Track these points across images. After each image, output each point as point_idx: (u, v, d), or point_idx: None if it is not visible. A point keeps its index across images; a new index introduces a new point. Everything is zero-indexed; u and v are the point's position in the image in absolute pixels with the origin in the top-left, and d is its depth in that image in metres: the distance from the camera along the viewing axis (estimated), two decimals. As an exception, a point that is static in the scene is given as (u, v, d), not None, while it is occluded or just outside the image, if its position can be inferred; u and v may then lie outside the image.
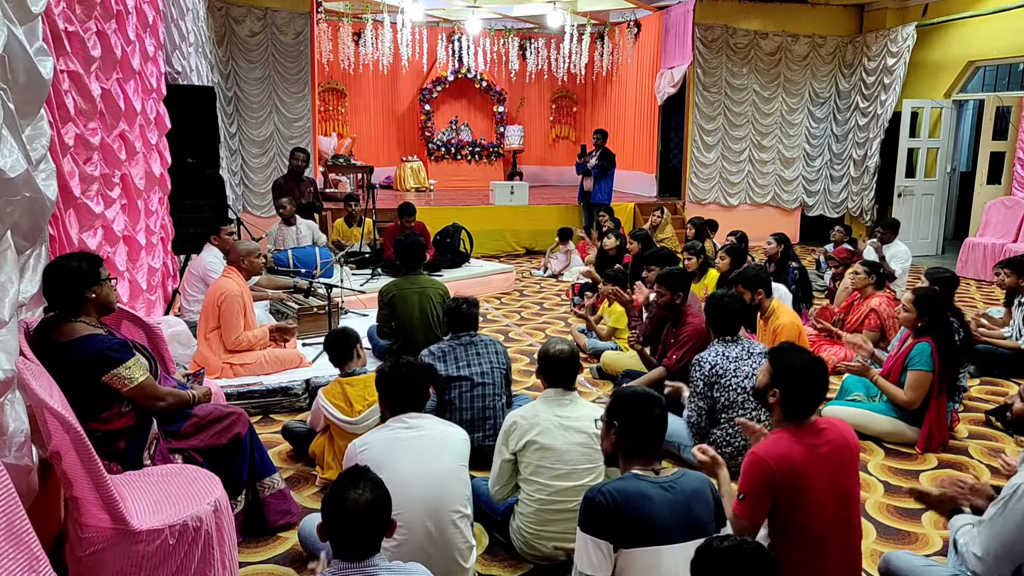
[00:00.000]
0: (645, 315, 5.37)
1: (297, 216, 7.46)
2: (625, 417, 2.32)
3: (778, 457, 2.36)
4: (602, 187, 9.91)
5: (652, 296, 5.36)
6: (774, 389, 2.49)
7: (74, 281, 2.72)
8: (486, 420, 3.79)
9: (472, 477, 3.02)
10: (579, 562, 2.18)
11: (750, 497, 2.38)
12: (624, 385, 4.54)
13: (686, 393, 4.02)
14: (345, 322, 5.86)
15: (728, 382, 3.76)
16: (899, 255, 7.46)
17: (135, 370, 2.74)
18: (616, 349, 5.57)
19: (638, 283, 5.87)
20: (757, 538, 2.47)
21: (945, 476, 2.78)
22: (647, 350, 4.81)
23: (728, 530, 2.34)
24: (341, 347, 3.77)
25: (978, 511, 2.59)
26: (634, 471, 2.25)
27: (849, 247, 7.50)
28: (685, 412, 3.93)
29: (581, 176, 10.12)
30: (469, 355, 3.87)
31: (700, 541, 2.11)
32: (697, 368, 3.84)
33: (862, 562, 2.57)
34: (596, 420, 2.48)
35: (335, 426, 3.57)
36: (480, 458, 3.38)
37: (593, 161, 9.83)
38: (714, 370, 3.78)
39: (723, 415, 3.79)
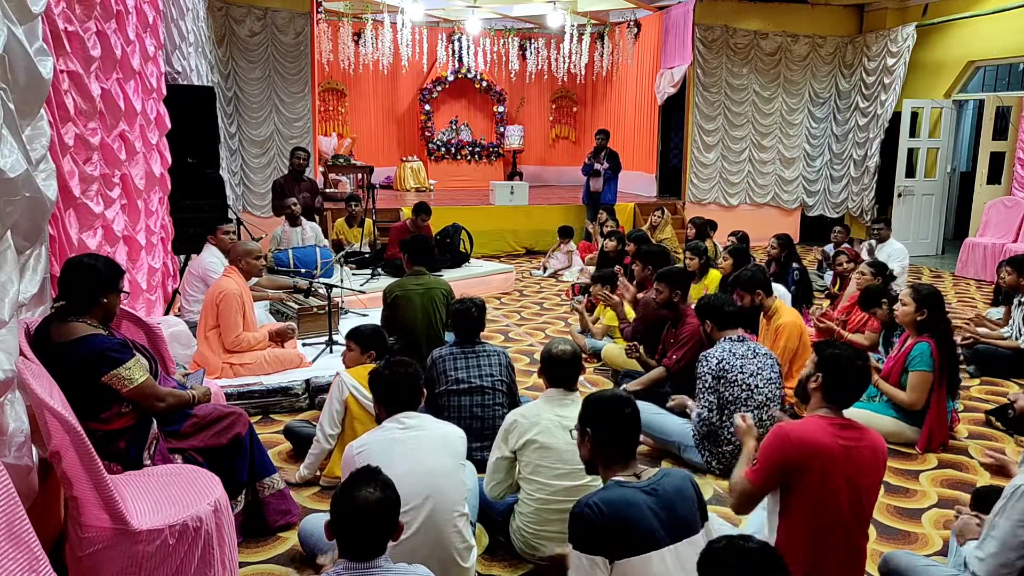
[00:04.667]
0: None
1: (302, 218, 7.45)
2: (597, 422, 2.32)
3: (802, 435, 2.40)
4: (611, 187, 10.00)
5: (640, 295, 5.41)
6: (816, 374, 2.53)
7: (93, 281, 2.74)
8: (484, 430, 3.72)
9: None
10: None
11: (762, 464, 2.43)
12: (606, 388, 4.56)
13: (690, 403, 4.02)
14: (345, 322, 5.87)
15: (734, 378, 3.77)
16: (895, 253, 7.47)
17: (135, 371, 2.74)
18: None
19: (622, 280, 5.88)
20: (763, 535, 2.48)
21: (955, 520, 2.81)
22: (642, 350, 4.82)
23: (722, 527, 2.34)
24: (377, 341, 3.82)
25: None
26: (616, 478, 2.23)
27: (850, 247, 7.50)
28: (695, 412, 3.92)
29: (587, 177, 10.13)
30: (469, 363, 3.82)
31: (687, 541, 2.12)
32: (704, 364, 3.85)
33: (866, 564, 2.56)
34: (571, 430, 2.46)
35: (357, 410, 3.53)
36: (477, 469, 3.33)
37: (605, 164, 9.85)
38: (721, 365, 3.79)
39: (725, 412, 3.80)
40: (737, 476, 2.54)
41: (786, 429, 2.44)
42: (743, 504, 2.53)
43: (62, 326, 2.69)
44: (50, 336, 2.67)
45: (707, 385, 3.83)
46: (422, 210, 7.71)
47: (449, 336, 4.95)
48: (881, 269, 5.52)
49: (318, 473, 3.70)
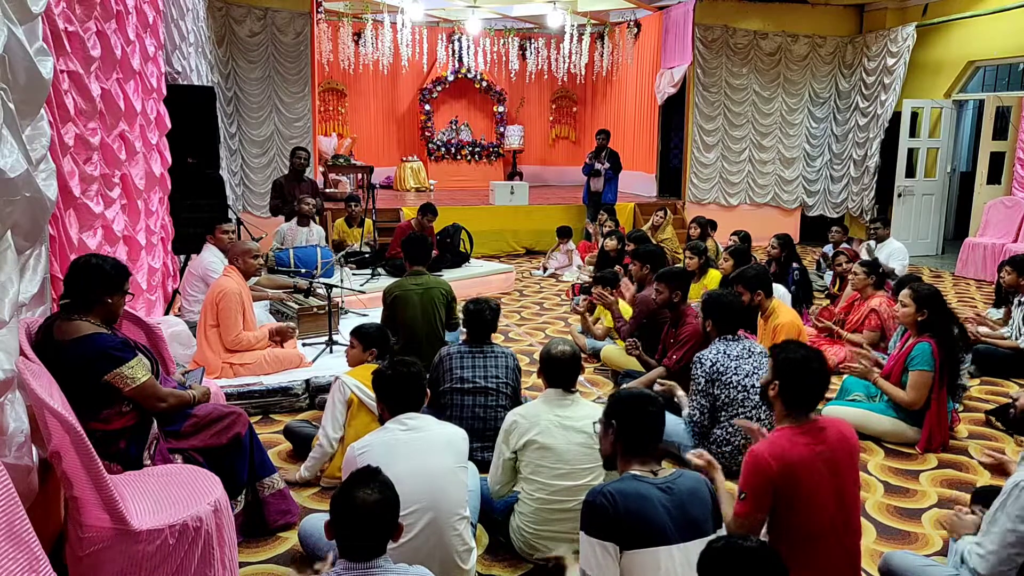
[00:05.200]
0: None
1: (311, 219, 7.44)
2: (623, 417, 2.35)
3: (778, 455, 2.37)
4: (612, 187, 10.02)
5: (638, 294, 5.44)
6: (774, 382, 2.50)
7: (98, 281, 2.76)
8: (486, 431, 3.71)
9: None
10: (586, 566, 2.17)
11: (751, 495, 2.38)
12: (622, 386, 4.58)
13: (679, 392, 4.02)
14: (345, 322, 5.87)
15: (728, 380, 3.76)
16: (896, 253, 7.47)
17: (137, 370, 2.75)
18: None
19: (624, 280, 5.92)
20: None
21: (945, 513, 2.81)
22: (640, 347, 4.82)
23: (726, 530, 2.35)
24: (379, 340, 3.79)
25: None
26: (632, 472, 2.26)
27: (849, 247, 7.50)
28: (685, 411, 3.93)
29: (588, 177, 10.13)
30: (476, 363, 3.82)
31: (698, 541, 2.12)
32: (698, 366, 3.84)
33: (861, 562, 2.56)
34: (594, 423, 2.50)
35: (359, 410, 3.53)
36: (479, 469, 3.32)
37: (607, 164, 9.86)
38: (715, 367, 3.78)
39: (723, 413, 3.79)
40: (729, 517, 2.46)
41: (760, 453, 2.39)
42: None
43: (65, 324, 2.69)
44: (52, 334, 2.67)
45: (700, 388, 3.82)
46: (428, 210, 7.75)
47: (449, 336, 4.96)
48: (874, 267, 5.52)
49: (318, 474, 3.70)
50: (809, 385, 2.47)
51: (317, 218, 8.23)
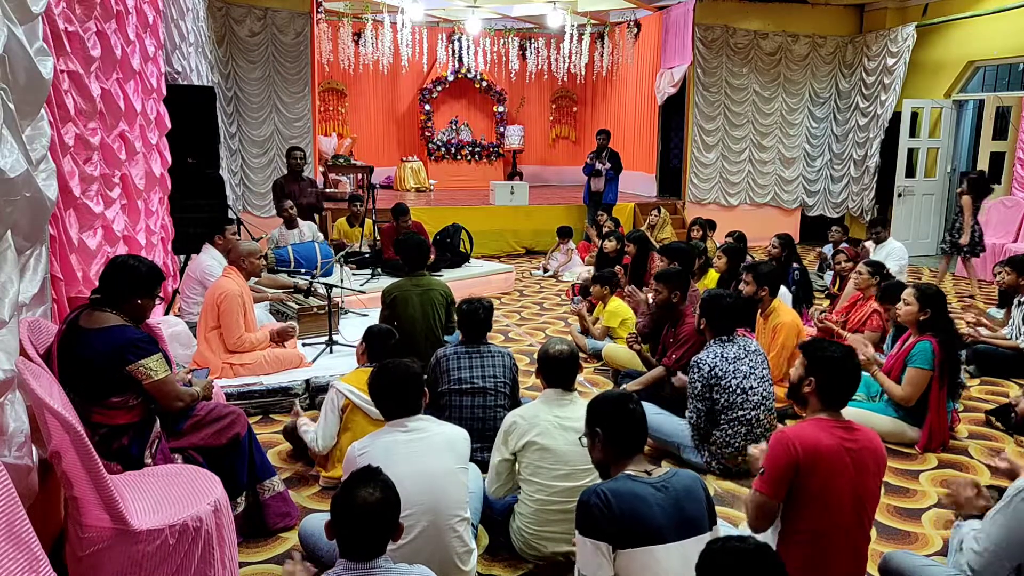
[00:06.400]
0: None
1: (298, 219, 7.46)
2: (608, 422, 2.35)
3: (805, 439, 2.38)
4: (612, 188, 10.02)
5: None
6: (809, 379, 2.51)
7: (131, 282, 2.83)
8: (485, 431, 3.70)
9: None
10: (581, 566, 2.18)
11: (771, 472, 2.39)
12: (624, 387, 4.58)
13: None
14: (345, 322, 5.87)
15: (728, 383, 3.75)
16: (894, 252, 7.47)
17: (160, 365, 2.80)
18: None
19: (631, 288, 5.95)
20: (764, 537, 2.47)
21: (951, 480, 2.80)
22: (646, 348, 4.82)
23: (723, 529, 2.34)
24: (373, 338, 3.77)
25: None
26: (627, 472, 2.26)
27: (849, 246, 7.50)
28: (687, 412, 3.93)
29: (589, 177, 10.13)
30: (473, 364, 3.81)
31: (695, 539, 2.13)
32: (696, 371, 3.83)
33: (867, 566, 2.56)
34: (580, 438, 2.50)
35: (355, 414, 3.53)
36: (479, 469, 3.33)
37: (608, 164, 9.86)
38: (713, 372, 3.77)
39: (723, 416, 3.79)
40: (747, 499, 2.50)
41: (788, 434, 2.42)
42: (759, 518, 2.46)
43: (94, 313, 2.75)
44: (79, 322, 2.72)
45: (697, 392, 3.82)
46: (399, 212, 7.64)
47: (448, 339, 4.96)
48: (878, 268, 5.52)
49: (319, 471, 3.70)
50: (846, 383, 2.50)
51: (316, 217, 8.25)
